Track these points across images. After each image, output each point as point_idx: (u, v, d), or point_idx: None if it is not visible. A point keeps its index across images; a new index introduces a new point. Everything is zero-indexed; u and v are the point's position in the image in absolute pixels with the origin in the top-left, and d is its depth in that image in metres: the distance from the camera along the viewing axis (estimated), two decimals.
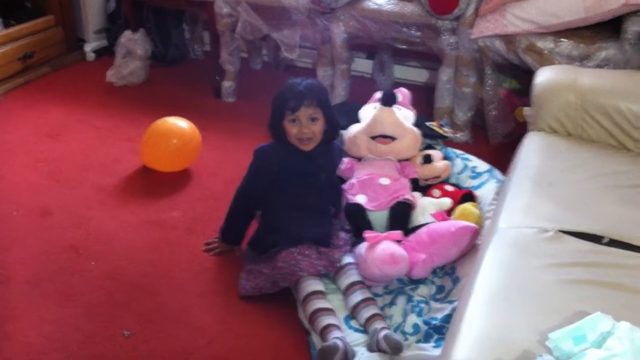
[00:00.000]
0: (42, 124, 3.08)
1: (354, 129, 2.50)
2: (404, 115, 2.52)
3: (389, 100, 2.47)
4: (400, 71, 3.52)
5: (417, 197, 2.32)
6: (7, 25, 3.46)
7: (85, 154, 2.83)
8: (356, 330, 1.91)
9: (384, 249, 2.03)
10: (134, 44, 3.48)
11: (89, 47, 3.80)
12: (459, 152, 2.62)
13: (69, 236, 2.31)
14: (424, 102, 3.03)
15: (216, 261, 2.22)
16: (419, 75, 3.51)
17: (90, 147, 2.89)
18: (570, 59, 2.60)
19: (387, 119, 2.44)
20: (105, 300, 2.02)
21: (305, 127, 2.15)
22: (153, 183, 2.65)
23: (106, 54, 3.78)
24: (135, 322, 1.93)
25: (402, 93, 2.64)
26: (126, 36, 3.49)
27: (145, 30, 3.54)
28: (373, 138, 2.44)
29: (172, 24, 3.73)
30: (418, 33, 2.90)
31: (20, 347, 1.84)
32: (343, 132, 2.58)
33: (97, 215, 2.43)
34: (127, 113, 3.18)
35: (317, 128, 2.18)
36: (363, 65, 3.58)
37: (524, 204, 1.76)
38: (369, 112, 2.53)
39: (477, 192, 2.40)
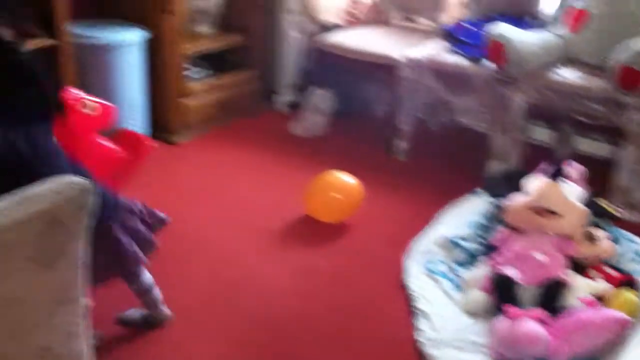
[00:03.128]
0: (225, 164, 3.37)
1: (516, 199, 2.45)
2: (572, 191, 2.42)
3: (556, 174, 2.40)
4: (581, 143, 3.36)
5: (572, 276, 2.20)
6: (214, 75, 3.84)
7: (256, 196, 3.05)
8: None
9: (523, 327, 1.95)
10: (320, 99, 3.70)
11: (282, 100, 4.09)
12: (627, 233, 2.45)
13: (226, 272, 2.49)
14: (602, 176, 2.86)
15: (357, 313, 2.27)
16: (600, 148, 3.32)
17: (261, 190, 3.11)
18: None
19: (552, 193, 2.37)
20: (248, 338, 2.15)
21: None
22: (311, 231, 2.77)
23: (295, 107, 4.03)
24: None
25: (573, 167, 2.54)
26: (313, 92, 3.72)
27: (331, 87, 3.74)
28: (535, 211, 2.37)
29: (357, 82, 3.89)
30: (602, 107, 2.78)
31: None
32: (504, 200, 2.54)
33: (253, 254, 2.60)
34: (302, 162, 3.37)
35: None
36: (542, 133, 3.47)
37: None
38: (534, 184, 2.46)
39: None
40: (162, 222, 2.16)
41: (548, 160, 2.69)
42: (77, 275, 1.52)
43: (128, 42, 3.31)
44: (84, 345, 1.65)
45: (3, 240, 1.20)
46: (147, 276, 2.10)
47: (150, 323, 2.17)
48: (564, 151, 3.34)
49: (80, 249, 1.48)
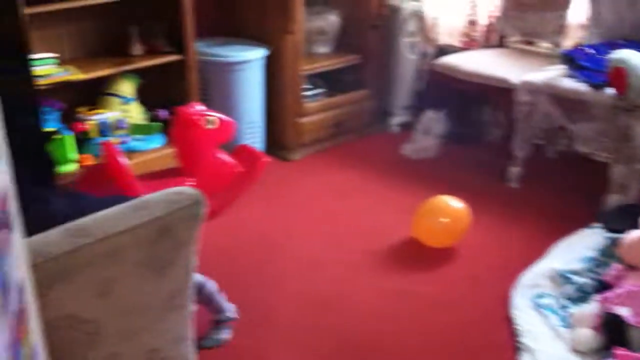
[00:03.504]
0: (336, 183, 3.42)
1: (633, 235, 2.33)
2: None
3: None
4: None
5: None
6: (328, 94, 3.91)
7: (363, 216, 3.08)
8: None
9: None
10: (433, 122, 3.68)
11: (394, 121, 4.09)
12: None
13: (324, 288, 2.53)
14: None
15: (456, 343, 2.23)
16: None
17: (369, 211, 3.13)
18: None
19: None
20: (335, 356, 2.18)
21: None
22: (415, 255, 2.76)
23: (408, 128, 4.02)
24: None
25: None
26: (427, 114, 3.71)
27: (447, 110, 3.71)
28: None
29: (473, 105, 3.84)
30: None
31: None
32: (621, 236, 2.42)
33: (354, 275, 2.62)
34: (411, 185, 3.36)
35: None
36: None
37: None
38: None
39: None
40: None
41: None
42: (187, 282, 1.60)
43: (250, 60, 3.45)
44: (190, 350, 1.73)
45: (117, 245, 1.29)
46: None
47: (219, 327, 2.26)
48: None
49: (191, 258, 1.55)
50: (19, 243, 0.95)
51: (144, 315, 1.52)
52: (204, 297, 2.16)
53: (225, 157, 3.10)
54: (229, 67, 3.42)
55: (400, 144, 3.79)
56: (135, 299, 1.46)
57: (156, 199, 1.35)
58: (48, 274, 1.21)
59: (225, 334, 2.24)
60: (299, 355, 2.19)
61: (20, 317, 0.94)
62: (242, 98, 3.49)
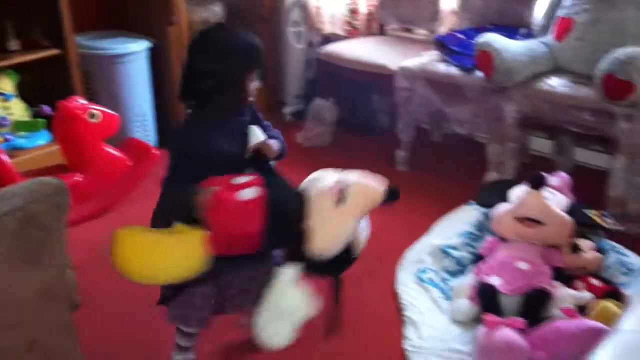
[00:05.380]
0: None
1: (501, 208, 2.48)
2: (557, 200, 2.44)
3: (537, 183, 2.41)
4: (582, 154, 3.36)
5: (556, 287, 2.21)
6: None
7: None
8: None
9: (501, 336, 1.98)
10: (323, 109, 3.76)
11: (287, 110, 4.15)
12: (616, 245, 2.46)
13: None
14: (600, 187, 2.87)
15: (348, 320, 2.31)
16: (602, 159, 3.31)
17: None
18: None
19: (533, 202, 2.39)
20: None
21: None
22: None
23: (301, 117, 4.09)
24: None
25: (560, 177, 2.57)
26: (316, 102, 3.78)
27: (336, 98, 3.80)
28: (519, 220, 2.40)
29: (361, 93, 3.95)
30: (592, 118, 2.78)
31: None
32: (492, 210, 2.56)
33: None
34: (305, 172, 3.40)
35: None
36: (543, 145, 3.49)
37: None
38: (518, 193, 2.48)
39: (627, 292, 2.22)
40: None
41: (547, 171, 2.70)
42: (62, 273, 1.59)
43: (132, 53, 3.41)
44: (74, 341, 1.71)
45: None
46: None
47: None
48: (563, 162, 3.35)
49: (62, 248, 1.54)
50: None
51: (19, 307, 1.49)
52: None
53: (113, 151, 3.05)
54: (111, 60, 3.36)
55: (294, 133, 3.84)
56: (7, 290, 1.44)
57: (18, 189, 1.34)
58: None
59: None
60: None
61: None
62: (128, 91, 3.45)
